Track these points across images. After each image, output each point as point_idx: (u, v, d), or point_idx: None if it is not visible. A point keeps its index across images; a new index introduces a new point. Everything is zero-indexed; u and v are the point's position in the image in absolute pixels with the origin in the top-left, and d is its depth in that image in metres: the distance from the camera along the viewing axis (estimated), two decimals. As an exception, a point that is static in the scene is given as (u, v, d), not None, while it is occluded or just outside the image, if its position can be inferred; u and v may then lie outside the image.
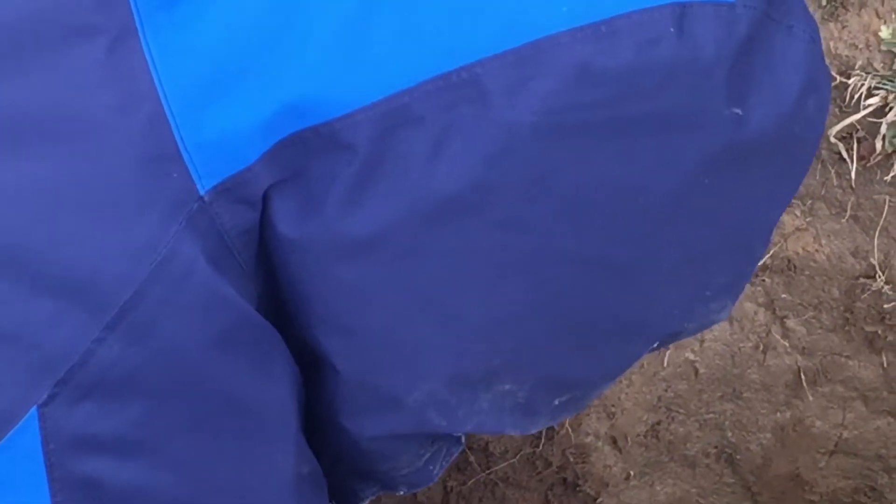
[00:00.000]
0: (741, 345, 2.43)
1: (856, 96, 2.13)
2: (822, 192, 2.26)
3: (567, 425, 2.51)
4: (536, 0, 0.97)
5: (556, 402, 1.16)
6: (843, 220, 2.28)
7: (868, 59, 2.13)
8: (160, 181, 1.01)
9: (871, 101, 2.11)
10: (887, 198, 2.21)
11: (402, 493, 1.34)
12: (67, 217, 1.01)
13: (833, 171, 2.24)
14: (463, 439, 1.28)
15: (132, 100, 1.01)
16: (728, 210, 1.06)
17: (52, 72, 1.04)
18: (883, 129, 2.14)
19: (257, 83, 0.99)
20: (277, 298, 1.10)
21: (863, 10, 2.11)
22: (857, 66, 2.13)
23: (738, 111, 0.99)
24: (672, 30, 0.95)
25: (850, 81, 2.12)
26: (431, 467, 1.26)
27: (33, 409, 0.99)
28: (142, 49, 1.02)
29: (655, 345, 1.15)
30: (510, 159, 0.97)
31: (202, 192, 1.00)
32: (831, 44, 2.15)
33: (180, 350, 1.02)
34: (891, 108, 2.12)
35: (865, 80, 2.11)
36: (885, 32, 2.10)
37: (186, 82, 0.99)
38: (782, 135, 1.03)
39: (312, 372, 1.13)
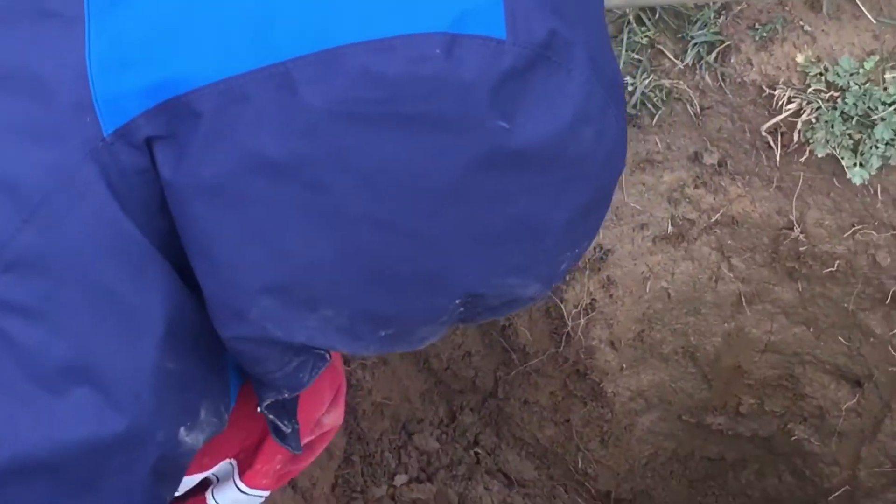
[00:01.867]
0: (700, 276, 2.63)
1: (780, 103, 2.21)
2: (756, 170, 2.43)
3: (580, 333, 2.71)
4: (337, 16, 1.02)
5: (383, 334, 1.19)
6: (771, 189, 2.44)
7: (788, 77, 2.20)
8: (78, 122, 1.08)
9: (789, 106, 2.20)
10: (801, 174, 2.36)
11: (286, 395, 1.34)
12: (9, 136, 1.10)
13: (764, 156, 2.37)
14: (327, 356, 1.32)
15: (69, 63, 1.10)
16: (510, 204, 1.08)
17: (21, 40, 1.13)
18: (798, 125, 2.23)
19: (146, 63, 1.08)
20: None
21: (785, 43, 2.18)
22: (780, 82, 2.20)
23: (504, 124, 1.01)
24: (438, 51, 0.99)
25: (775, 93, 2.21)
26: (301, 375, 1.29)
27: None
28: (84, 31, 1.10)
29: (458, 301, 1.15)
30: (314, 136, 1.02)
31: (105, 135, 1.08)
32: (762, 66, 2.21)
33: (76, 247, 1.10)
34: (803, 111, 2.19)
35: (786, 91, 2.20)
36: (800, 58, 2.17)
37: (104, 58, 1.09)
38: (555, 151, 1.05)
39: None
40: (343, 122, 1.02)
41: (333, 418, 1.75)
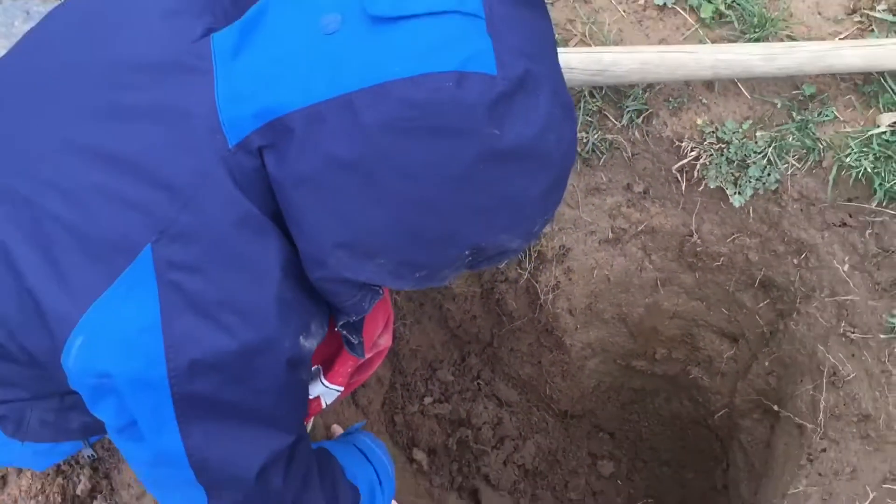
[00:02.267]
0: (630, 267, 2.60)
1: (685, 151, 2.17)
2: (669, 196, 2.37)
3: (549, 304, 2.70)
4: (383, 62, 1.04)
5: (417, 275, 1.19)
6: (678, 209, 2.40)
7: (691, 133, 2.16)
8: (211, 140, 1.12)
9: (692, 153, 2.17)
10: (699, 199, 2.33)
11: (353, 318, 1.36)
12: (168, 151, 1.13)
13: (674, 187, 2.32)
14: (381, 291, 1.33)
15: (204, 100, 1.13)
16: (500, 185, 1.08)
17: (173, 86, 1.16)
18: (697, 166, 2.19)
19: (254, 97, 1.11)
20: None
21: (689, 111, 2.14)
22: (685, 137, 2.17)
23: (497, 131, 1.04)
24: (451, 84, 1.02)
25: (682, 144, 2.17)
26: (364, 304, 1.30)
27: (148, 245, 1.12)
28: (213, 78, 1.14)
29: (467, 251, 1.16)
30: (369, 143, 1.04)
31: (230, 147, 1.12)
32: (674, 126, 2.17)
33: (215, 223, 1.13)
34: (701, 157, 2.16)
35: (689, 143, 2.16)
36: (699, 121, 2.14)
37: (227, 95, 1.12)
38: (530, 149, 1.07)
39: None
40: (388, 133, 1.04)
41: (385, 340, 1.78)
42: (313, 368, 1.67)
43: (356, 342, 1.48)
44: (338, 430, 2.25)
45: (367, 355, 1.71)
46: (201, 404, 1.17)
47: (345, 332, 1.45)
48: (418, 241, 1.13)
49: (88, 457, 1.89)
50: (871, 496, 2.07)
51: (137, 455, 1.24)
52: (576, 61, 2.00)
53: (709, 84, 2.15)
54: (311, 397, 1.72)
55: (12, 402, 1.42)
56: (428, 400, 3.01)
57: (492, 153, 1.06)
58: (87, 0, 1.31)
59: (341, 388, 1.74)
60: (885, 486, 2.06)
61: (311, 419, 2.15)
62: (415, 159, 1.05)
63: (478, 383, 3.16)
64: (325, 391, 1.72)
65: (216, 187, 1.13)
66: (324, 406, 1.76)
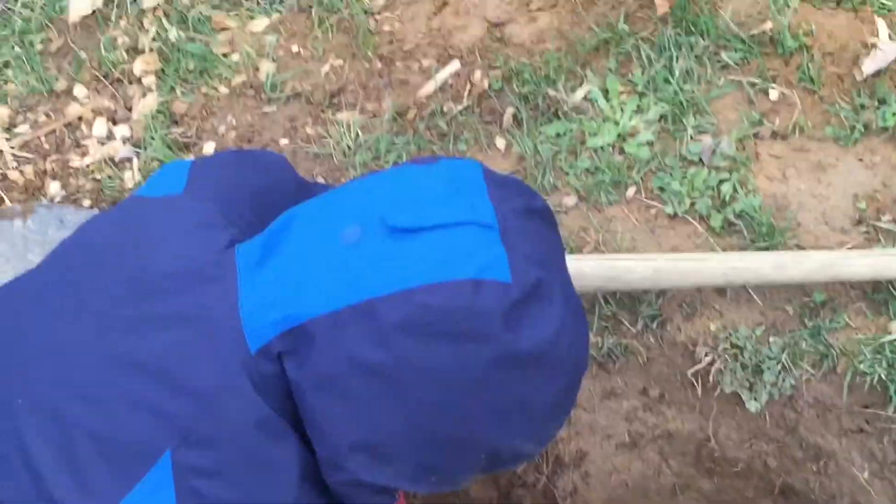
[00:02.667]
0: (647, 472, 2.54)
1: (699, 357, 2.18)
2: (685, 401, 2.36)
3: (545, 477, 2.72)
4: (402, 270, 1.07)
5: (433, 479, 1.18)
6: (694, 414, 2.37)
7: (705, 339, 2.18)
8: (234, 345, 1.13)
9: (706, 358, 2.17)
10: (714, 404, 2.30)
11: None
12: (192, 358, 1.13)
13: (689, 391, 2.32)
14: (396, 495, 1.28)
15: (228, 308, 1.14)
16: (515, 389, 1.09)
17: (198, 294, 1.17)
18: (712, 371, 2.18)
19: (276, 305, 1.11)
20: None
21: (702, 317, 2.16)
22: (700, 343, 2.18)
23: (512, 337, 1.05)
24: (469, 291, 1.04)
25: (696, 349, 2.18)
26: None
27: (168, 452, 1.10)
28: (237, 290, 1.15)
29: (483, 456, 1.15)
30: (389, 347, 1.05)
31: (252, 352, 1.12)
32: (688, 332, 2.18)
33: (234, 428, 1.12)
34: (715, 362, 2.16)
35: (704, 349, 2.16)
36: (712, 327, 2.15)
37: (250, 303, 1.14)
38: (544, 354, 1.08)
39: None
40: (409, 337, 1.05)
41: None
42: None
43: None
44: None
45: None
46: None
47: None
48: (434, 444, 1.12)
49: None
50: None
51: None
52: (589, 268, 2.04)
53: (721, 290, 2.18)
54: None
55: None
56: None
57: (507, 358, 1.07)
58: (122, 212, 1.35)
59: None
60: None
61: None
62: (433, 363, 1.06)
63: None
64: None
65: (236, 392, 1.13)
66: None
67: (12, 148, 2.43)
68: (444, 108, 2.38)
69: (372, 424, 1.11)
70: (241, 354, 1.13)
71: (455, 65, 2.44)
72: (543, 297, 1.09)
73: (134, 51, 2.56)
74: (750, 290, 2.16)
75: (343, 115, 2.41)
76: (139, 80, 2.52)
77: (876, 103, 2.24)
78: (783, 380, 2.15)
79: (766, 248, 2.10)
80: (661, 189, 2.23)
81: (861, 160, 2.20)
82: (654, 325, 2.22)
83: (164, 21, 2.56)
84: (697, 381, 2.29)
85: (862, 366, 2.04)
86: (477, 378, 1.07)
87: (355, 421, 1.11)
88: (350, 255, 1.10)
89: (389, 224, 1.10)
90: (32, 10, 2.61)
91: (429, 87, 2.41)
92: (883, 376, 2.01)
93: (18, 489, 1.15)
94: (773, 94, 2.31)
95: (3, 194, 2.36)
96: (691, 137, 2.26)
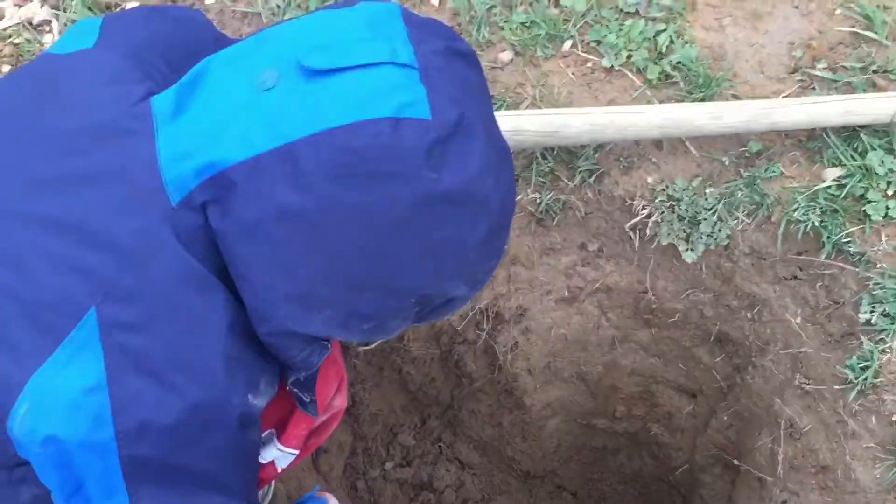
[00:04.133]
0: (587, 325, 2.61)
1: (637, 209, 2.20)
2: (623, 254, 2.40)
3: (508, 364, 2.69)
4: (320, 112, 1.05)
5: (365, 327, 1.19)
6: (632, 267, 2.43)
7: (642, 192, 2.19)
8: (155, 199, 1.13)
9: (643, 211, 2.19)
10: (652, 256, 2.36)
11: (303, 375, 1.35)
12: (112, 213, 1.13)
13: (627, 245, 2.35)
14: (329, 346, 1.31)
15: (147, 161, 1.13)
16: (441, 230, 1.09)
17: (115, 148, 1.16)
18: (649, 224, 2.21)
19: (195, 154, 1.11)
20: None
21: (639, 170, 2.17)
22: (637, 196, 2.20)
23: (434, 175, 1.06)
24: (388, 129, 1.04)
25: (634, 202, 2.20)
26: (313, 359, 1.28)
27: (93, 308, 1.10)
28: (154, 139, 1.14)
29: (412, 300, 1.16)
30: (310, 191, 1.06)
31: (173, 205, 1.13)
32: (625, 185, 2.19)
33: (159, 281, 1.12)
34: (652, 215, 2.18)
35: (641, 202, 2.19)
36: (650, 180, 2.17)
37: (168, 154, 1.13)
38: (468, 193, 1.09)
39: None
40: (328, 180, 1.05)
41: (339, 402, 1.75)
42: (267, 433, 1.67)
43: (308, 400, 1.47)
44: None
45: (322, 417, 1.70)
46: (149, 467, 1.14)
47: (296, 390, 1.44)
48: (363, 290, 1.13)
49: None
50: (833, 547, 2.07)
51: None
52: (527, 123, 2.02)
53: (658, 143, 2.18)
54: (264, 462, 1.71)
55: None
56: (389, 464, 2.99)
57: (430, 197, 1.07)
58: (31, 70, 1.32)
59: (296, 452, 1.73)
60: (845, 536, 2.07)
61: (270, 485, 2.12)
62: (355, 205, 1.06)
63: (439, 446, 3.14)
64: (279, 455, 1.71)
65: (160, 246, 1.12)
66: (279, 470, 1.75)
67: (-76, 13, 2.31)
68: (375, -38, 2.30)
69: (298, 272, 1.11)
70: (163, 206, 1.13)
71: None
72: (465, 135, 1.09)
73: None
74: (687, 143, 2.16)
75: (270, -28, 2.32)
76: (54, -62, 2.40)
77: (812, -52, 2.21)
78: (719, 230, 2.17)
79: (703, 100, 2.09)
80: (598, 42, 2.20)
81: (797, 7, 2.18)
82: (592, 180, 2.22)
83: None
84: (635, 234, 2.31)
85: (796, 214, 2.06)
86: (399, 219, 1.07)
87: (281, 268, 1.12)
88: (267, 100, 1.09)
89: (305, 66, 1.08)
90: None
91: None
92: (816, 224, 2.04)
93: None
94: (710, -59, 2.26)
95: (-83, 61, 2.27)
96: (628, -12, 2.22)
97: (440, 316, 1.25)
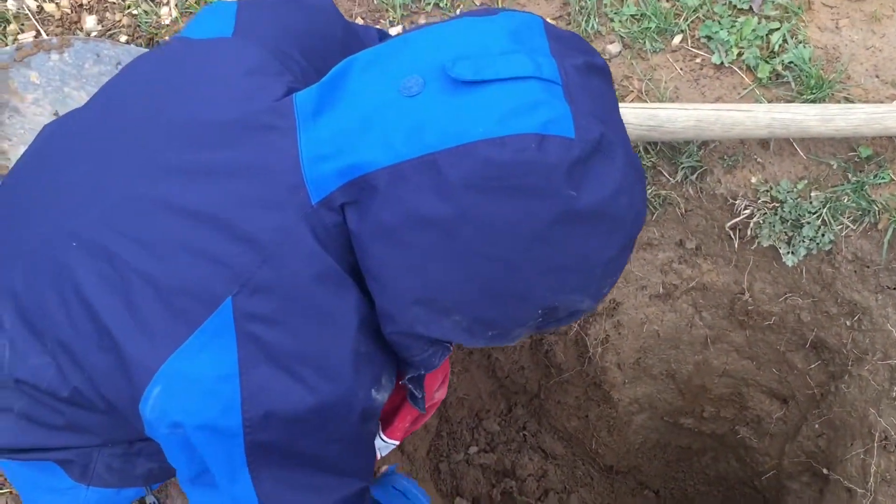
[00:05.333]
0: (680, 323, 2.60)
1: (738, 209, 2.18)
2: (721, 254, 2.38)
3: (597, 357, 2.69)
4: (467, 123, 1.05)
5: (490, 334, 1.20)
6: (730, 267, 2.40)
7: (745, 192, 2.16)
8: (294, 197, 1.14)
9: (745, 211, 2.17)
10: (751, 257, 2.33)
11: (422, 372, 1.36)
12: (251, 207, 1.14)
13: (726, 244, 2.32)
14: (450, 347, 1.32)
15: (288, 158, 1.15)
16: (574, 245, 1.10)
17: (257, 144, 1.17)
18: (750, 225, 2.20)
19: (339, 155, 1.12)
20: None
21: (743, 169, 2.14)
22: (739, 195, 2.17)
23: (574, 193, 1.06)
24: (534, 146, 1.03)
25: (736, 202, 2.17)
26: (433, 359, 1.30)
27: (229, 298, 1.12)
28: (297, 138, 1.16)
29: (540, 311, 1.17)
30: (451, 200, 1.06)
31: (313, 203, 1.14)
32: (728, 184, 2.17)
33: (295, 277, 1.13)
34: (754, 215, 2.16)
35: (743, 202, 2.17)
36: (753, 180, 2.14)
37: (311, 153, 1.14)
38: (604, 211, 1.09)
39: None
40: (471, 191, 1.05)
41: (441, 394, 1.77)
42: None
43: (419, 396, 1.49)
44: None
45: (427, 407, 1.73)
46: (274, 453, 1.17)
47: (410, 386, 1.46)
48: (494, 298, 1.14)
49: (150, 503, 1.90)
50: (921, 565, 2.03)
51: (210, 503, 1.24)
52: (631, 116, 2.01)
53: (764, 143, 2.15)
54: None
55: (82, 447, 1.42)
56: (473, 449, 3.01)
57: (568, 214, 1.07)
58: (169, 54, 1.33)
59: (397, 443, 1.75)
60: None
61: None
62: (495, 217, 1.06)
63: (524, 434, 3.14)
64: (382, 445, 1.74)
65: (297, 242, 1.14)
66: (378, 458, 1.77)
67: (48, -20, 2.38)
68: (488, -51, 2.31)
69: (431, 277, 1.12)
70: (303, 205, 1.14)
71: None
72: (605, 153, 1.09)
73: None
74: (794, 144, 2.13)
75: (384, -46, 2.34)
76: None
77: (938, -49, 2.15)
78: (822, 235, 2.13)
79: (814, 101, 2.06)
80: (708, 38, 2.17)
81: (918, 11, 2.13)
82: (695, 177, 2.20)
83: None
84: (735, 234, 2.28)
85: (903, 222, 2.01)
86: (537, 233, 1.08)
87: (414, 273, 1.13)
88: (411, 106, 1.09)
89: (451, 76, 1.08)
90: None
91: (472, -74, 2.32)
92: (924, 233, 1.99)
93: (76, 326, 1.18)
94: (831, -60, 2.21)
95: (39, 27, 2.34)
96: (742, -16, 2.19)
97: (561, 325, 1.25)
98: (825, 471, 2.54)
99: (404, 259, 1.12)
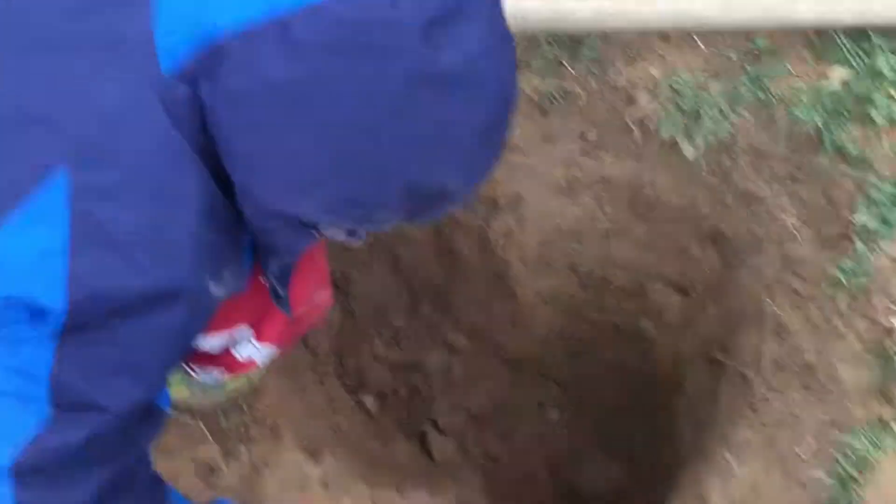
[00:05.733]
0: (582, 217, 2.59)
1: (639, 101, 2.21)
2: (623, 147, 2.38)
3: (501, 251, 2.71)
4: None
5: (355, 213, 1.16)
6: (631, 160, 2.41)
7: (645, 84, 2.20)
8: (146, 66, 1.09)
9: (645, 104, 2.19)
10: (652, 150, 2.34)
11: (287, 260, 1.35)
12: (97, 75, 1.10)
13: (628, 137, 2.33)
14: (315, 234, 1.27)
15: (142, 29, 1.10)
16: (437, 114, 1.07)
17: (112, 14, 1.13)
18: (651, 118, 2.22)
19: (189, 25, 1.08)
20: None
21: (644, 61, 2.16)
22: (640, 87, 2.21)
23: (430, 53, 1.03)
24: (388, 3, 1.01)
25: (637, 93, 2.19)
26: (297, 244, 1.30)
27: (62, 168, 1.06)
28: (150, 10, 1.11)
29: (404, 189, 1.12)
30: (302, 62, 1.03)
31: (164, 72, 1.10)
32: (629, 76, 2.19)
33: (138, 150, 1.10)
34: (653, 108, 2.19)
35: (644, 93, 2.18)
36: (654, 72, 2.17)
37: (163, 23, 1.10)
38: (464, 75, 1.06)
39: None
40: (320, 52, 1.03)
41: (323, 298, 1.77)
42: (243, 329, 1.67)
43: (282, 294, 1.46)
44: None
45: (300, 311, 1.70)
46: (87, 335, 1.12)
47: (273, 281, 1.43)
48: (354, 170, 1.09)
49: None
50: (813, 445, 2.10)
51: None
52: (532, 8, 2.00)
53: (665, 36, 2.16)
54: (241, 359, 1.73)
55: None
56: (378, 344, 3.01)
57: (424, 75, 1.04)
58: None
59: (273, 348, 1.75)
60: (826, 435, 2.10)
61: (247, 376, 2.09)
62: (346, 77, 1.03)
63: (429, 329, 3.15)
64: (254, 351, 1.72)
65: (143, 113, 1.10)
66: (259, 365, 1.76)
67: None
68: None
69: (284, 146, 1.09)
70: (153, 73, 1.10)
71: None
72: (466, 16, 1.06)
73: None
74: (694, 36, 2.14)
75: None
76: None
77: None
78: (721, 126, 2.14)
79: (714, -8, 2.06)
80: (610, -74, 2.15)
81: None
82: (595, 69, 2.19)
83: None
84: (636, 126, 2.30)
85: (799, 113, 2.04)
86: (391, 96, 1.04)
87: (268, 142, 1.09)
88: None
89: None
90: None
91: None
92: (819, 124, 2.03)
93: None
94: None
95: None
96: None
97: (434, 212, 1.22)
98: (721, 357, 2.59)
99: (256, 127, 1.08)
